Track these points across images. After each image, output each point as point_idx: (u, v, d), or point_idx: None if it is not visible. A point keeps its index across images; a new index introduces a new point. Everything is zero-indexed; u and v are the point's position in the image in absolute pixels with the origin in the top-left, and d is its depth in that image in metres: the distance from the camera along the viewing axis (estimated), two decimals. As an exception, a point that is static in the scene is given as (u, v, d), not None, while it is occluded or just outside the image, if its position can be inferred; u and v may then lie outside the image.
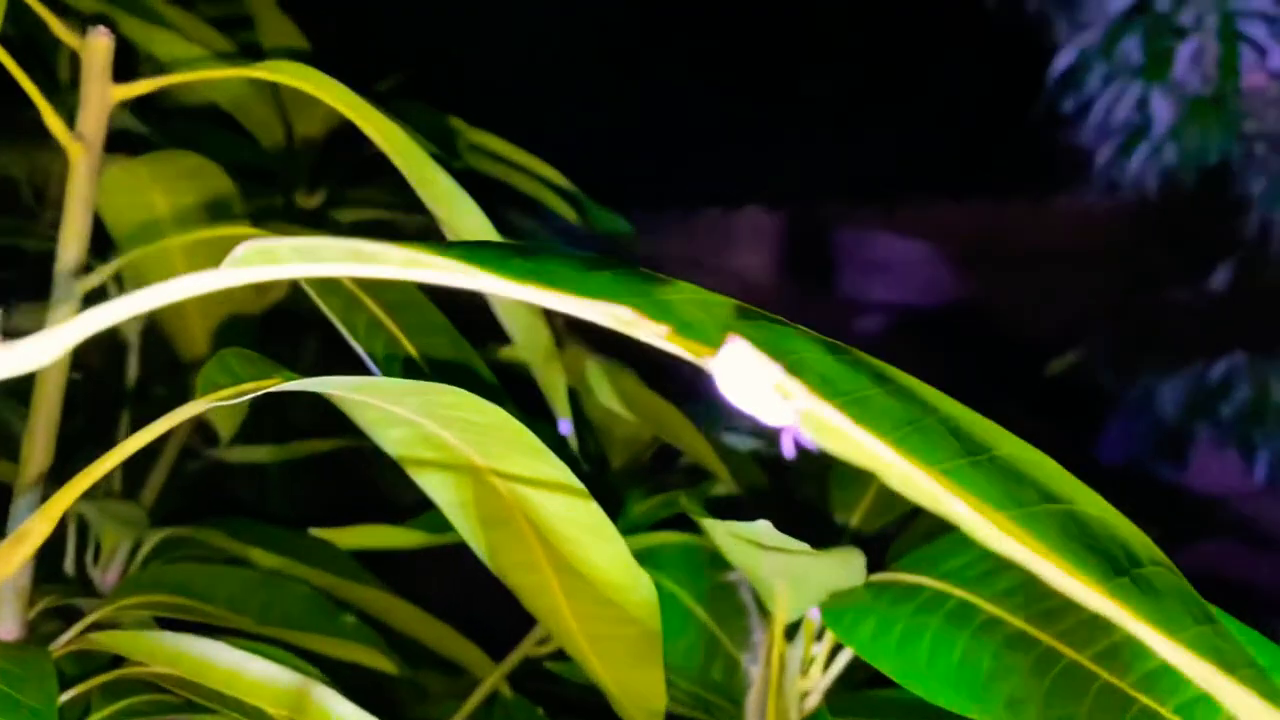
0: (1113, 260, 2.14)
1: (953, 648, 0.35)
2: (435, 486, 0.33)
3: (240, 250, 0.16)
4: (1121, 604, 0.15)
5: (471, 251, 0.16)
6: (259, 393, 0.23)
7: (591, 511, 0.31)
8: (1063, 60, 1.72)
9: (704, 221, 2.28)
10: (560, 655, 0.60)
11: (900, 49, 2.43)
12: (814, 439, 0.12)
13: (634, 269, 0.19)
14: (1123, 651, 0.33)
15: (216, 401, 0.23)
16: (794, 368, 0.13)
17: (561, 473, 0.30)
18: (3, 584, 0.37)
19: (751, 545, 0.33)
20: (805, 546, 0.32)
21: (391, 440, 0.32)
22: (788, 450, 0.12)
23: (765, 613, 0.50)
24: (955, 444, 0.18)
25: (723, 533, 0.34)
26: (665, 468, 0.76)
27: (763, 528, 0.31)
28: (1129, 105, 1.62)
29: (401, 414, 0.28)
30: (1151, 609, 0.17)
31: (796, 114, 2.47)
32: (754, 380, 0.12)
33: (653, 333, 0.13)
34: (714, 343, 0.12)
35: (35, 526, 0.22)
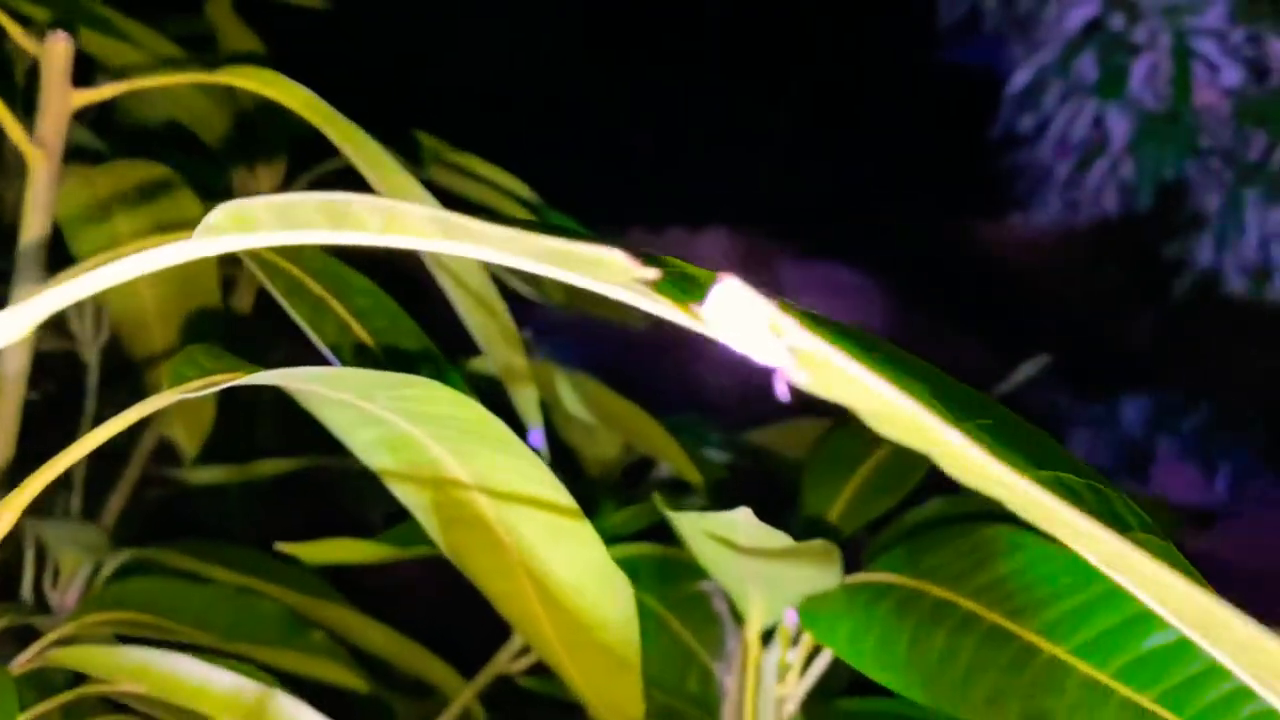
0: (1072, 277, 2.16)
1: (931, 645, 0.35)
2: (407, 491, 0.33)
3: (215, 215, 0.15)
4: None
5: (450, 219, 0.16)
6: (227, 384, 0.22)
7: (566, 508, 0.31)
8: (1019, 79, 1.74)
9: (667, 241, 2.28)
10: (533, 672, 0.59)
11: (859, 72, 2.45)
12: (806, 378, 0.12)
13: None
14: (1103, 643, 0.33)
15: (185, 393, 0.22)
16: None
17: (534, 466, 0.29)
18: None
19: (724, 545, 0.32)
20: (784, 537, 0.32)
21: (362, 443, 0.31)
22: (780, 392, 0.12)
23: (739, 621, 0.49)
24: (940, 408, 0.18)
25: (695, 530, 0.34)
26: (637, 483, 0.75)
27: (741, 516, 0.31)
28: (1086, 123, 1.65)
29: (372, 411, 0.28)
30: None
31: (758, 136, 2.49)
32: (747, 317, 0.12)
33: (636, 277, 0.13)
34: (701, 297, 0.12)
35: (0, 514, 0.22)
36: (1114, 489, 0.21)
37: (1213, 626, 0.13)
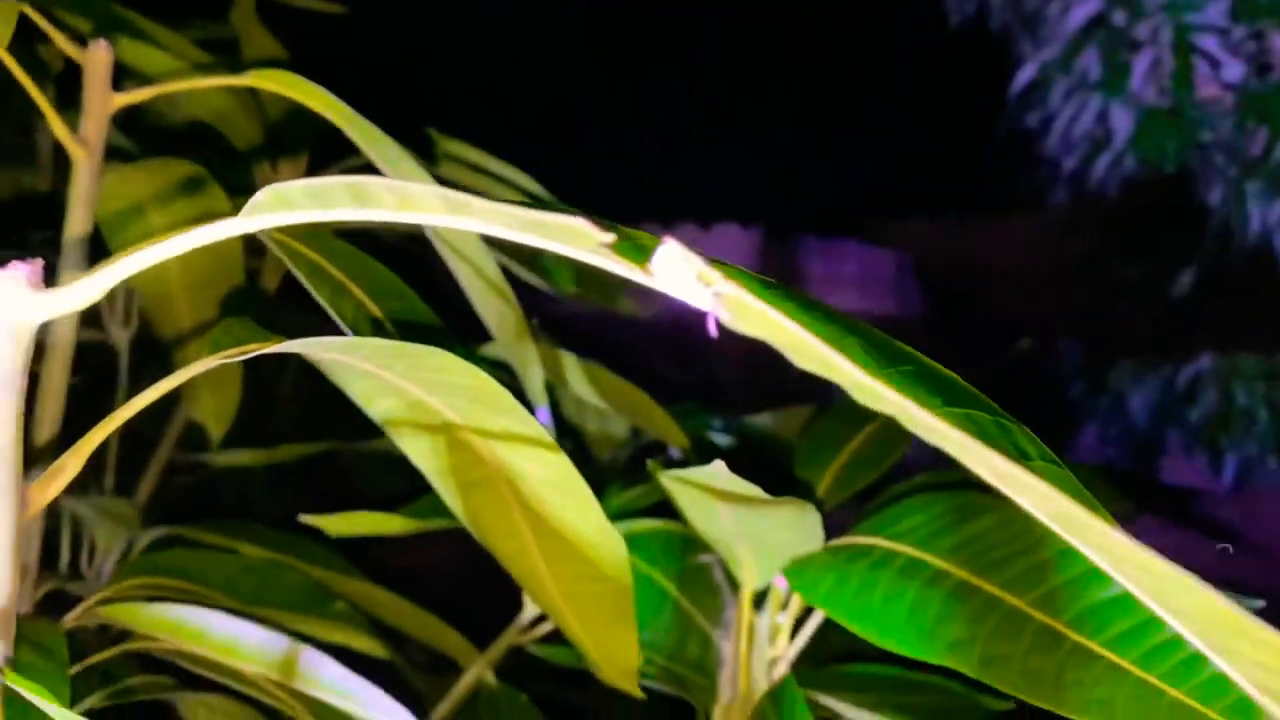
0: (1078, 270, 2.18)
1: (903, 598, 0.38)
2: (422, 454, 0.36)
3: (260, 196, 0.18)
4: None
5: (452, 195, 0.19)
6: (263, 350, 0.25)
7: (566, 470, 0.34)
8: (1024, 75, 1.76)
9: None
10: (545, 640, 0.62)
11: (871, 69, 2.47)
12: (729, 317, 0.15)
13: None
14: (1058, 595, 0.36)
15: (225, 359, 0.25)
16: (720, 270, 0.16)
17: (538, 432, 0.32)
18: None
19: (704, 493, 0.35)
20: (758, 490, 0.35)
21: (380, 410, 0.34)
22: (710, 330, 0.15)
23: (736, 588, 0.52)
24: (865, 357, 0.20)
25: (674, 482, 0.37)
26: (641, 467, 0.78)
27: (717, 468, 0.34)
28: (1090, 118, 1.67)
29: (390, 380, 0.31)
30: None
31: (770, 132, 2.51)
32: (682, 270, 0.15)
33: (599, 241, 0.16)
34: (649, 257, 0.15)
35: (69, 462, 0.25)
36: (1019, 425, 0.24)
37: (1076, 525, 0.16)
